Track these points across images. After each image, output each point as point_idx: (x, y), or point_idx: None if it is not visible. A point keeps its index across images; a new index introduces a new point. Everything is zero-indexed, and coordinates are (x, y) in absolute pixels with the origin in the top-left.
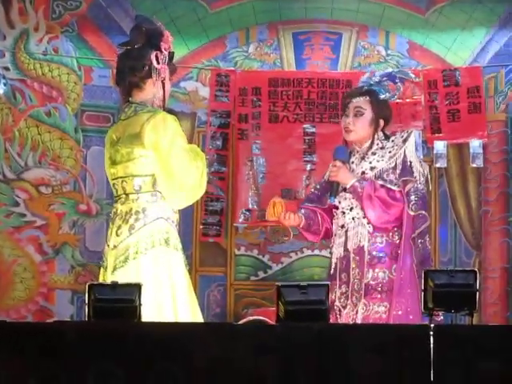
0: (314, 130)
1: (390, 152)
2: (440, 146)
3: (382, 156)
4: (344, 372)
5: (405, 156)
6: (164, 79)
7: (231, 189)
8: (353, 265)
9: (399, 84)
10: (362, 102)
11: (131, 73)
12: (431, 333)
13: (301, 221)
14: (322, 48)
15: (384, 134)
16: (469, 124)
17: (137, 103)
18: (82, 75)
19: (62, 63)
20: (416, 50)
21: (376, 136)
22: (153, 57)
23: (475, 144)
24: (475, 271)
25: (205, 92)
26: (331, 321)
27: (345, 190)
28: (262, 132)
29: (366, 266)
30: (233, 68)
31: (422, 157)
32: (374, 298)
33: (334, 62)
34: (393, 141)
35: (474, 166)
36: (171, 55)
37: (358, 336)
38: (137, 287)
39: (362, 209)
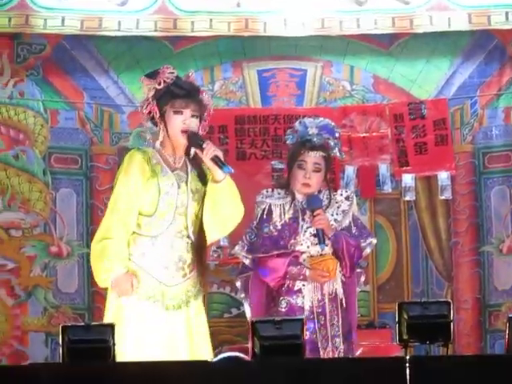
0: (282, 166)
1: (338, 207)
2: (408, 178)
3: (337, 210)
4: None
5: (353, 213)
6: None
7: None
8: (329, 309)
9: (337, 141)
10: (318, 157)
11: None
12: (407, 365)
13: None
14: (287, 84)
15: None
16: (436, 156)
17: None
18: (48, 118)
19: (28, 106)
20: (381, 83)
21: (329, 191)
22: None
23: (443, 176)
24: (449, 302)
25: None
26: None
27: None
28: None
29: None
30: None
31: (390, 190)
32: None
33: (300, 98)
34: (341, 195)
35: (443, 197)
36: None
37: (334, 370)
38: (110, 327)
39: (338, 258)
